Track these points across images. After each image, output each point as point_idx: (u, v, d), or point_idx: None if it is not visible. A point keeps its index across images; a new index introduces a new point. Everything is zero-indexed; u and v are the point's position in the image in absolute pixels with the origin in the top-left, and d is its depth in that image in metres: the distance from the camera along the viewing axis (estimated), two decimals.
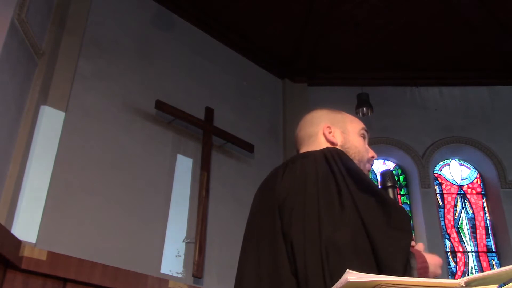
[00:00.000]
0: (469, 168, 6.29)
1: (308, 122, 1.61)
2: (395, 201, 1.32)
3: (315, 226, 1.17)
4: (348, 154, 1.46)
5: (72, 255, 3.45)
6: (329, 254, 1.11)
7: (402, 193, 6.15)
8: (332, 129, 1.56)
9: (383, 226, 1.18)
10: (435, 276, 1.31)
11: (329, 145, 1.51)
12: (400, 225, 1.21)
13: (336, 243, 1.12)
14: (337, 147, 1.51)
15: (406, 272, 1.17)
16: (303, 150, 1.56)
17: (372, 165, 1.61)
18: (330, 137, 1.54)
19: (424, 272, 1.26)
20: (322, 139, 1.55)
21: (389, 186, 1.55)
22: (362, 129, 1.62)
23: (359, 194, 1.23)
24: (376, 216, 1.20)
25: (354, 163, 1.38)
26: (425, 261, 1.28)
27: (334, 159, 1.31)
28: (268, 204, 1.35)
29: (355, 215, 1.18)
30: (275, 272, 1.21)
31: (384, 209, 1.22)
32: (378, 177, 6.31)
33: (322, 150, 1.37)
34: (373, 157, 1.60)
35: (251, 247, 1.35)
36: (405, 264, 1.17)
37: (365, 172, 1.55)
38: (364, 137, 1.62)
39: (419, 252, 1.31)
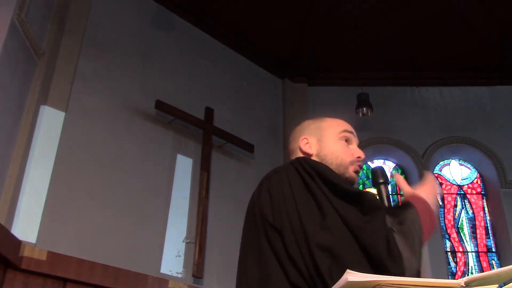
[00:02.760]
0: (469, 168, 6.29)
1: (291, 138, 1.66)
2: (360, 191, 1.32)
3: (302, 236, 1.22)
4: (325, 161, 1.52)
5: (72, 255, 3.45)
6: (323, 259, 1.17)
7: (402, 193, 6.14)
8: (309, 139, 1.58)
9: (358, 218, 1.23)
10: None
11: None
12: (370, 208, 1.26)
13: (326, 247, 1.17)
14: (312, 156, 1.54)
15: (391, 243, 1.20)
16: None
17: (359, 165, 1.57)
18: (305, 148, 1.57)
19: (428, 212, 1.38)
20: (299, 152, 1.59)
21: (381, 183, 1.53)
22: (343, 131, 1.58)
23: (335, 198, 1.27)
24: (351, 212, 1.25)
25: (323, 167, 1.39)
26: (424, 201, 1.40)
27: (305, 169, 1.35)
28: (250, 224, 1.42)
29: (337, 219, 1.22)
30: (270, 283, 1.26)
31: (355, 202, 1.28)
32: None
33: (291, 163, 1.41)
34: (359, 157, 1.56)
35: (241, 268, 1.41)
36: (386, 238, 1.20)
37: (350, 174, 1.54)
38: (346, 139, 1.58)
39: (414, 196, 1.42)
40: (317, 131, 1.59)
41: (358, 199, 1.28)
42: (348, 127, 1.61)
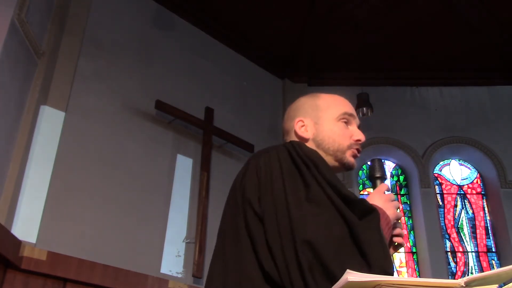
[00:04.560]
0: (469, 168, 6.29)
1: (286, 116, 1.55)
2: (356, 198, 1.23)
3: (287, 225, 1.14)
4: (322, 146, 1.43)
5: (72, 255, 3.45)
6: (304, 251, 1.09)
7: (402, 193, 6.15)
8: (305, 121, 1.47)
9: (354, 216, 1.15)
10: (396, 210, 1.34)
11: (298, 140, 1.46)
12: (365, 210, 1.18)
13: (308, 239, 1.09)
14: (309, 140, 1.45)
15: (382, 241, 1.15)
16: None
17: (358, 149, 1.47)
18: (300, 132, 1.47)
19: (388, 226, 1.29)
20: (293, 135, 1.49)
21: (377, 177, 1.43)
22: (343, 113, 1.47)
23: (333, 193, 1.19)
24: (348, 209, 1.16)
25: (318, 159, 1.29)
26: (386, 217, 1.29)
27: (299, 155, 1.25)
28: (232, 203, 1.33)
29: (336, 214, 1.15)
30: (242, 269, 1.19)
31: (349, 205, 1.19)
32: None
33: (285, 145, 1.31)
34: (358, 140, 1.47)
35: (219, 247, 1.34)
36: (382, 237, 1.15)
37: (348, 159, 1.45)
38: (346, 121, 1.48)
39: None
40: (314, 112, 1.49)
41: (352, 204, 1.19)
42: (348, 108, 1.51)
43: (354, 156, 1.47)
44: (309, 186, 1.19)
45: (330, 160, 1.43)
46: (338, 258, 1.08)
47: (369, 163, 6.24)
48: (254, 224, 1.21)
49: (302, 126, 1.48)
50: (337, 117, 1.47)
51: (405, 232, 5.91)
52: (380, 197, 1.35)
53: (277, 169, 1.23)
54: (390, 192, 1.40)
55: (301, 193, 1.18)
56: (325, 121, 1.47)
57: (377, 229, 1.16)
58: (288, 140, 1.46)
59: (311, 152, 1.31)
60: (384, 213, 1.29)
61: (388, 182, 1.53)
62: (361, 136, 1.48)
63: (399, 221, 1.40)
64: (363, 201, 1.24)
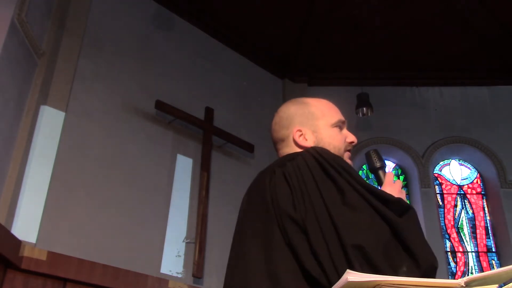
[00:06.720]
0: (469, 168, 6.29)
1: (278, 125, 1.59)
2: (389, 195, 1.27)
3: (332, 231, 1.15)
4: None
5: (72, 255, 3.45)
6: (355, 255, 1.10)
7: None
8: (303, 130, 1.50)
9: (395, 216, 1.20)
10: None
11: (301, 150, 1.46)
12: (401, 208, 1.24)
13: (358, 244, 1.12)
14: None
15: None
16: (281, 152, 1.57)
17: (350, 150, 1.54)
18: (300, 141, 1.49)
19: None
20: (293, 143, 1.51)
21: (379, 168, 1.44)
22: (338, 121, 1.53)
23: (368, 194, 1.21)
24: (386, 209, 1.20)
25: (342, 161, 1.34)
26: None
27: (326, 160, 1.28)
28: (257, 210, 1.31)
29: (375, 215, 1.18)
30: (279, 279, 1.17)
31: (383, 198, 1.24)
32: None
33: (308, 151, 1.33)
34: (352, 142, 1.53)
35: (241, 252, 1.31)
36: (423, 235, 1.23)
37: (347, 161, 1.50)
38: (340, 127, 1.54)
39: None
40: (310, 121, 1.52)
41: (389, 204, 1.22)
42: (340, 115, 1.57)
43: (350, 159, 1.53)
44: (343, 192, 1.21)
45: None
46: (387, 259, 1.11)
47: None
48: (293, 232, 1.20)
49: (301, 135, 1.50)
50: (333, 124, 1.52)
51: None
52: (393, 188, 1.40)
53: (309, 177, 1.24)
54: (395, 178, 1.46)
55: (337, 199, 1.20)
56: (323, 128, 1.51)
57: (418, 225, 1.24)
58: (284, 148, 1.54)
59: (337, 157, 1.34)
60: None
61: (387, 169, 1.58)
62: (354, 138, 1.55)
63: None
64: (400, 200, 1.27)
